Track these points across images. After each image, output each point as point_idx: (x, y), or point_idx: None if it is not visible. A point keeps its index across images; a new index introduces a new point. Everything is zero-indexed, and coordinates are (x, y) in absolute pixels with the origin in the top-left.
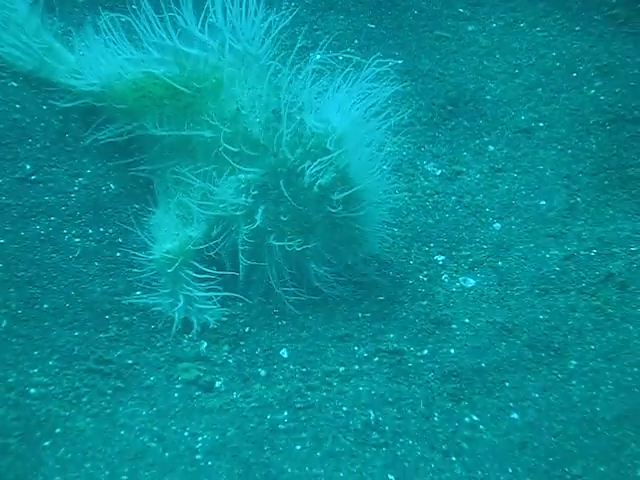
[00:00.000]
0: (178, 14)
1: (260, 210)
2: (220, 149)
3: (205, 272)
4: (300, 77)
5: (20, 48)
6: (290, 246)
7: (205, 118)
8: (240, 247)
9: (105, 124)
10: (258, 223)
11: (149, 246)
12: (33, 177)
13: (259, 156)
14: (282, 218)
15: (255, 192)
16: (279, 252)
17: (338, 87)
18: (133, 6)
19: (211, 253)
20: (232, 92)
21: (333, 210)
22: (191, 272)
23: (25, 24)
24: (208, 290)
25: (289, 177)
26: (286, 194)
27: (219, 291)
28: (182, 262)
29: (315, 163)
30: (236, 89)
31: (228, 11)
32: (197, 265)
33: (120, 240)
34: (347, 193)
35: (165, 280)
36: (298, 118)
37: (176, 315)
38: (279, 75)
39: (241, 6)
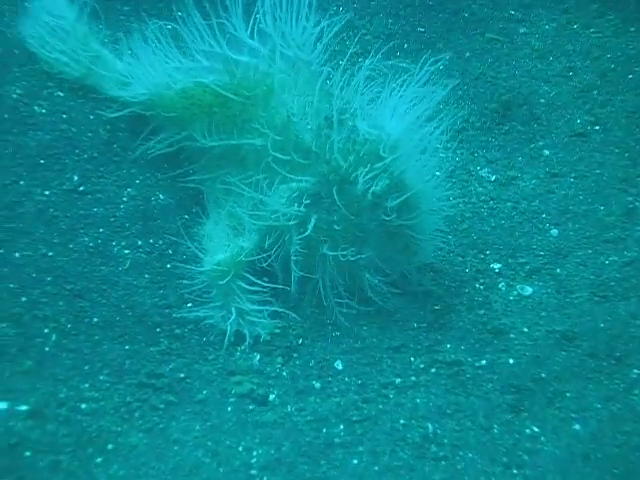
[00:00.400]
0: (227, 20)
1: (313, 219)
2: (270, 158)
3: (257, 283)
4: (352, 83)
5: (68, 54)
6: (344, 256)
7: (255, 126)
8: (293, 257)
9: (154, 133)
10: (311, 232)
11: (200, 258)
12: (81, 188)
13: (311, 164)
14: (335, 227)
15: (307, 201)
16: (332, 262)
17: (390, 93)
18: (180, 13)
19: (263, 264)
20: (282, 99)
21: (387, 218)
22: (243, 284)
23: (73, 31)
24: (260, 302)
25: (342, 185)
26: (339, 202)
27: (271, 302)
28: (234, 274)
29: (368, 170)
30: (287, 96)
31: (278, 17)
32: (249, 276)
33: (170, 252)
34: (401, 200)
35: (217, 292)
36: (350, 124)
37: (228, 328)
38: (330, 81)
39: (291, 12)
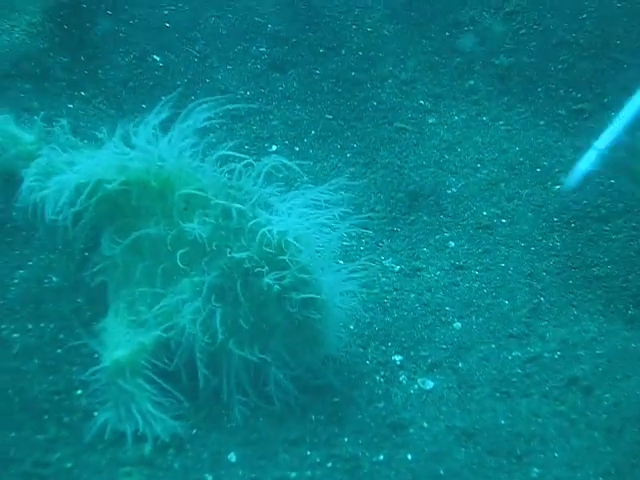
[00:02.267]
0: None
1: (217, 315)
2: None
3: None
4: (252, 175)
5: None
6: (251, 353)
7: (151, 214)
8: (198, 354)
9: None
10: (216, 328)
11: (92, 345)
12: None
13: (213, 257)
14: (241, 321)
15: (211, 295)
16: (238, 359)
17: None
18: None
19: (165, 360)
20: (180, 194)
21: (293, 310)
22: (142, 382)
23: None
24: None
25: (245, 278)
26: (243, 296)
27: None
28: (133, 371)
29: (272, 265)
30: (184, 190)
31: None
32: (150, 374)
33: (62, 336)
34: (307, 295)
35: (114, 390)
36: (250, 215)
37: (127, 429)
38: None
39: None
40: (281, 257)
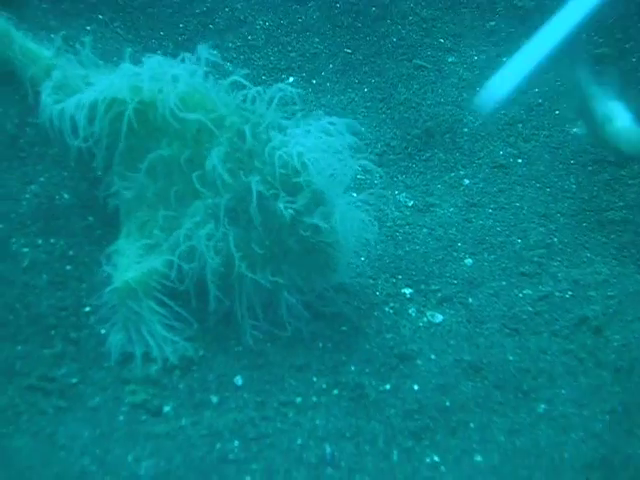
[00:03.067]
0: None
1: (230, 238)
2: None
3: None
4: (266, 99)
5: None
6: (263, 275)
7: (164, 136)
8: (210, 277)
9: None
10: (229, 249)
11: (101, 262)
12: None
13: (226, 179)
14: (253, 245)
15: (224, 217)
16: (250, 282)
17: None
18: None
19: (176, 283)
20: (193, 114)
21: (306, 234)
22: (153, 304)
23: None
24: (170, 321)
25: (259, 201)
26: (257, 219)
27: (180, 318)
28: (144, 293)
29: (286, 186)
30: (197, 111)
31: None
32: (160, 296)
33: (71, 253)
34: (321, 216)
35: (124, 311)
36: (264, 137)
37: (136, 351)
38: (245, 96)
39: None
40: (295, 179)
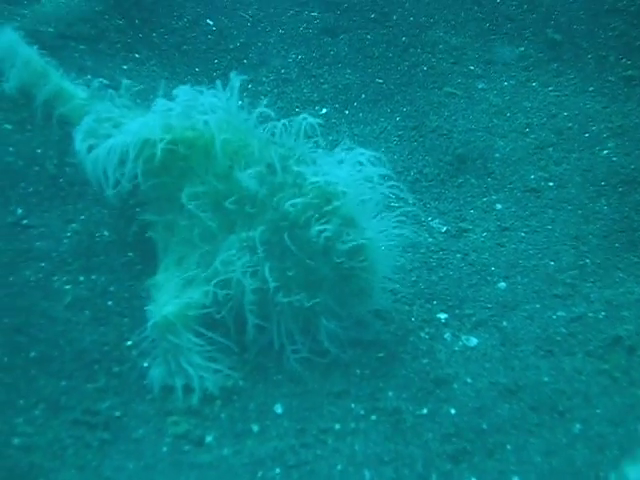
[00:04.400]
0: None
1: (266, 268)
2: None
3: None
4: (294, 131)
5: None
6: (299, 301)
7: (197, 174)
8: (248, 307)
9: None
10: (265, 281)
11: (142, 297)
12: (24, 222)
13: (258, 212)
14: (289, 273)
15: (259, 249)
16: (287, 309)
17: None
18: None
19: (212, 312)
20: (224, 151)
21: (339, 260)
22: (192, 336)
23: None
24: (209, 353)
25: (292, 230)
26: (291, 248)
27: (220, 349)
28: (182, 326)
29: (318, 214)
30: (227, 147)
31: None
32: (198, 329)
33: (112, 289)
34: (354, 243)
35: (163, 344)
36: (295, 170)
37: (177, 383)
38: (274, 128)
39: None
40: (327, 208)
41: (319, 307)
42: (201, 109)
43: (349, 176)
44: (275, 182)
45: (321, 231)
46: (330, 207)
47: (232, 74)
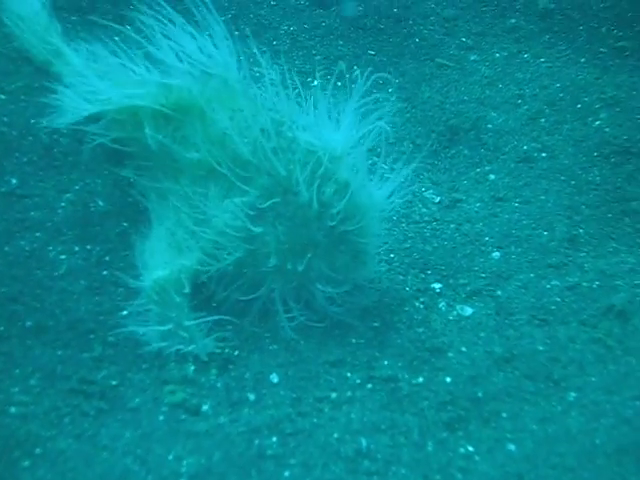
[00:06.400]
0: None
1: (259, 232)
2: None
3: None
4: (288, 96)
5: (34, 40)
6: (294, 267)
7: (192, 141)
8: (242, 273)
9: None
10: (257, 246)
11: (137, 267)
12: (19, 191)
13: (252, 177)
14: (282, 238)
15: (252, 214)
16: (281, 275)
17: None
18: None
19: (204, 278)
20: (217, 116)
21: (333, 224)
22: (183, 301)
23: (37, 19)
24: (201, 317)
25: (286, 196)
26: (286, 213)
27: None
28: (174, 291)
29: (312, 179)
30: (221, 113)
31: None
32: (189, 294)
33: (107, 259)
34: (347, 203)
35: (155, 309)
36: (290, 135)
37: (171, 349)
38: (268, 95)
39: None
40: (321, 173)
41: (313, 273)
42: (198, 64)
43: (344, 140)
44: (269, 147)
45: (315, 196)
46: (324, 172)
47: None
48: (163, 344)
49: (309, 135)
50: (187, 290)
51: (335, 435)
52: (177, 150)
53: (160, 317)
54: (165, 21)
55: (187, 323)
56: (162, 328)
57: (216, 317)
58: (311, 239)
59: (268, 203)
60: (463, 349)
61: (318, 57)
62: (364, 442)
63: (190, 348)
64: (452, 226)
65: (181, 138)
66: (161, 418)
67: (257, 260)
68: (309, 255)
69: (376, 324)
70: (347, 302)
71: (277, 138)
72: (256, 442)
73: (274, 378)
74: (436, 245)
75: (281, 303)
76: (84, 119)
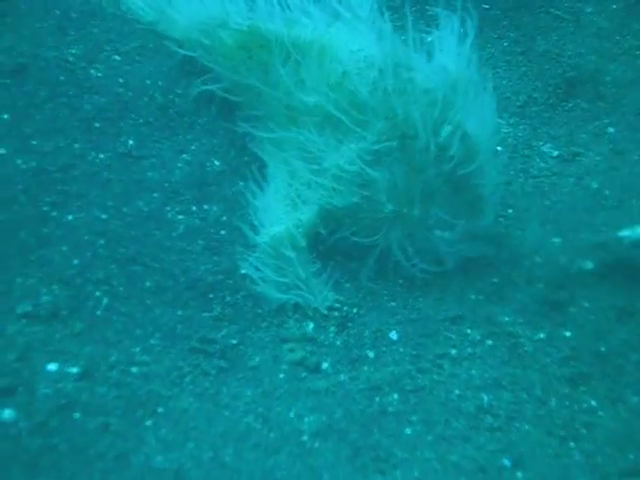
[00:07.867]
0: None
1: (376, 177)
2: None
3: (315, 255)
4: (406, 39)
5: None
6: (410, 213)
7: (309, 85)
8: (355, 219)
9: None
10: (374, 192)
11: (254, 224)
12: (136, 153)
13: (369, 121)
14: (400, 184)
15: (368, 159)
16: (398, 221)
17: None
18: None
19: (320, 230)
20: (337, 57)
21: (451, 169)
22: (300, 255)
23: None
24: (319, 273)
25: (403, 140)
26: (402, 159)
27: (330, 274)
28: (291, 246)
29: (429, 121)
30: (342, 53)
31: None
32: (306, 248)
33: (224, 218)
34: (466, 151)
35: (272, 264)
36: (406, 76)
37: (286, 301)
38: (385, 37)
39: None
40: (438, 116)
41: (431, 219)
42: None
43: (461, 73)
44: (387, 89)
45: (431, 139)
46: (442, 114)
47: None
48: (283, 297)
49: (425, 75)
50: (303, 244)
51: (456, 392)
52: (295, 94)
53: (278, 272)
54: None
55: (305, 276)
56: (281, 281)
57: (334, 271)
58: (429, 185)
59: (386, 146)
60: (585, 304)
61: (430, 13)
62: (485, 398)
63: (309, 301)
64: (571, 180)
65: (299, 82)
66: (281, 376)
67: (373, 206)
68: (427, 201)
69: (495, 280)
70: (466, 247)
71: (395, 80)
72: (377, 399)
73: (393, 335)
74: (555, 199)
75: (400, 250)
76: None
